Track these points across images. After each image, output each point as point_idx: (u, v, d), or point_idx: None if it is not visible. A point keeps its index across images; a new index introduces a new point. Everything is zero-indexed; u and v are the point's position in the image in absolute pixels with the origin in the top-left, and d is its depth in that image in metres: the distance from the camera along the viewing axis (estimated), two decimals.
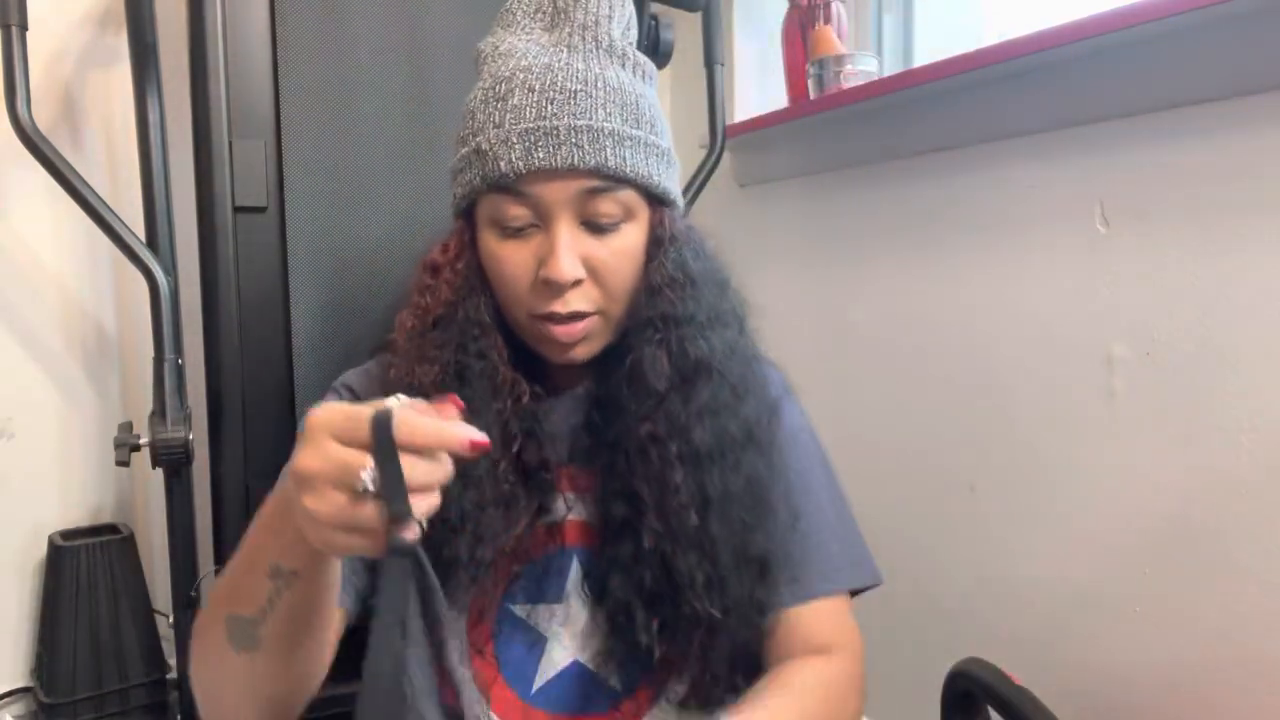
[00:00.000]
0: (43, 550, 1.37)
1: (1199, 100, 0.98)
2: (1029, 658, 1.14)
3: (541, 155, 0.66)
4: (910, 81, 1.26)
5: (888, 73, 1.48)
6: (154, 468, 1.03)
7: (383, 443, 0.44)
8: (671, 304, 0.70)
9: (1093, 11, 1.02)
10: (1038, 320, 1.16)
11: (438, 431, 0.46)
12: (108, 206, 1.08)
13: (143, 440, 1.04)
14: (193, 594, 1.07)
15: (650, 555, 0.70)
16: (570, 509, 0.75)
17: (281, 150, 0.99)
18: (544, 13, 0.74)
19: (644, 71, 0.73)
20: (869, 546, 0.82)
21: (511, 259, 0.69)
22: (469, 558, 0.70)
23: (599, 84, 0.68)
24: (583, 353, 0.72)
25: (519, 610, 0.75)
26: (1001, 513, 1.23)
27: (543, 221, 0.68)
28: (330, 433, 0.46)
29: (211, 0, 0.98)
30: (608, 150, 0.67)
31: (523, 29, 0.74)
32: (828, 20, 1.49)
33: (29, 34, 1.06)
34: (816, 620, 0.76)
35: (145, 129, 1.19)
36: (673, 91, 1.86)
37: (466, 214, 0.74)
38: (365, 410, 0.46)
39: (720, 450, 0.70)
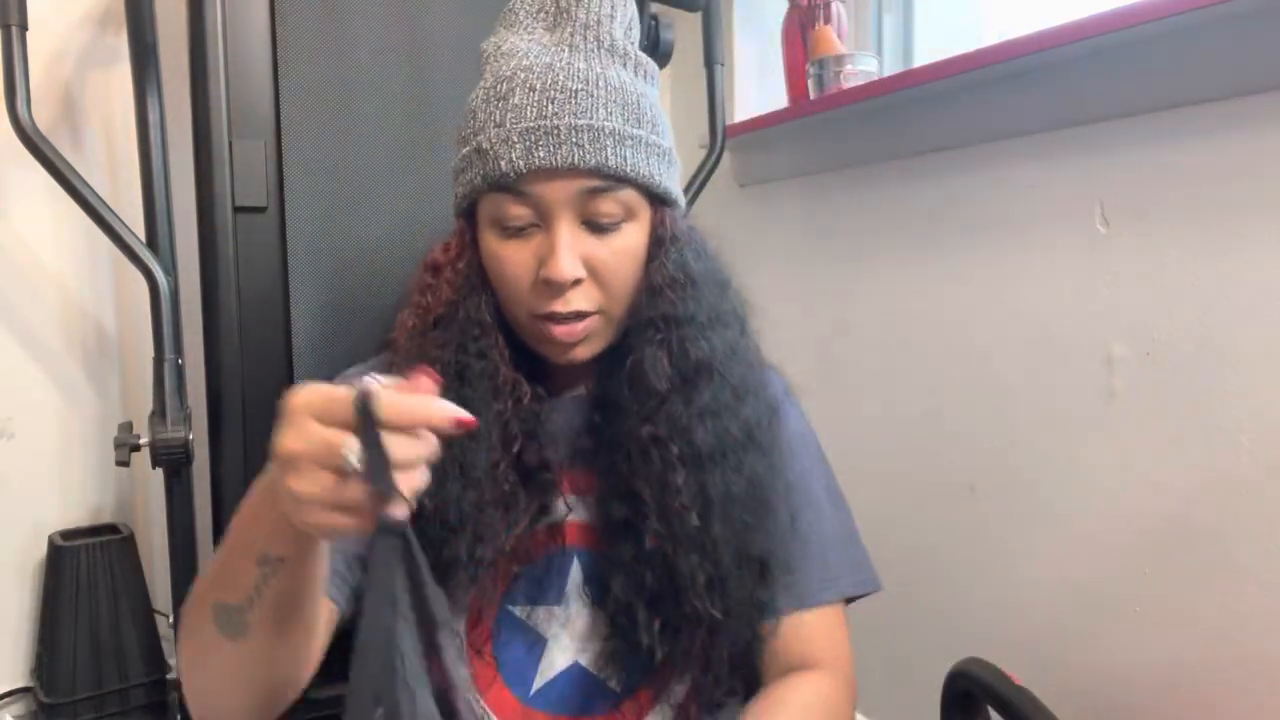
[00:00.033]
0: (43, 550, 1.37)
1: (1199, 100, 0.98)
2: (1029, 658, 1.14)
3: (542, 154, 0.66)
4: (910, 81, 1.26)
5: (888, 73, 1.48)
6: (154, 468, 1.03)
7: (365, 421, 0.44)
8: (672, 304, 0.70)
9: (1093, 11, 1.02)
10: (1038, 320, 1.16)
11: (422, 409, 0.46)
12: (108, 206, 1.08)
13: (143, 440, 1.04)
14: None
15: (651, 556, 0.70)
16: (571, 510, 0.75)
17: (281, 150, 0.99)
18: (546, 13, 0.74)
19: (646, 71, 0.73)
20: (869, 551, 0.83)
21: (512, 259, 0.69)
22: (468, 557, 0.70)
23: (600, 83, 0.68)
24: (583, 353, 0.72)
25: (519, 611, 0.75)
26: (1001, 513, 1.23)
27: (543, 221, 0.68)
28: (311, 413, 0.46)
29: (211, 0, 0.97)
30: (608, 150, 0.67)
31: (525, 29, 0.74)
32: (828, 20, 1.49)
33: (29, 34, 1.06)
34: (813, 630, 0.77)
35: (145, 129, 1.19)
36: (673, 91, 1.86)
37: (468, 214, 0.74)
38: (344, 390, 0.46)
39: (721, 451, 0.70)
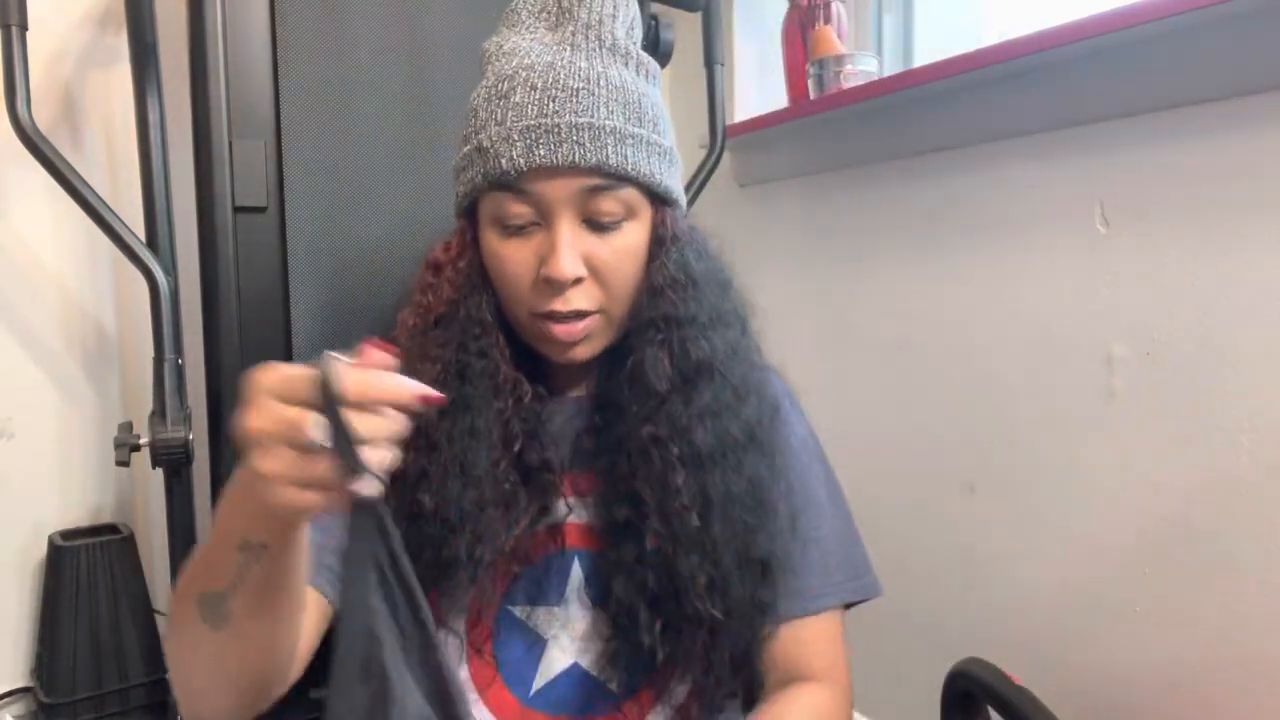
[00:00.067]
0: (43, 550, 1.37)
1: (1199, 100, 0.98)
2: (1029, 658, 1.14)
3: (543, 152, 0.66)
4: (910, 81, 1.26)
5: (888, 73, 1.48)
6: (154, 468, 1.03)
7: (327, 398, 0.44)
8: (673, 305, 0.70)
9: (1093, 11, 1.02)
10: (1038, 320, 1.16)
11: (383, 386, 0.46)
12: (108, 206, 1.08)
13: (143, 440, 1.04)
14: None
15: (652, 557, 0.70)
16: (571, 511, 0.75)
17: (281, 150, 0.99)
18: (549, 12, 0.74)
19: (647, 71, 0.73)
20: (869, 555, 0.83)
21: (513, 257, 0.69)
22: (468, 557, 0.70)
23: (601, 82, 0.68)
24: (583, 352, 0.72)
25: (518, 612, 0.75)
26: (1001, 513, 1.23)
27: (544, 219, 0.68)
28: (271, 392, 0.46)
29: (211, 0, 0.97)
30: (609, 148, 0.67)
31: (527, 28, 0.74)
32: (828, 20, 1.49)
33: (29, 34, 1.06)
34: (811, 637, 0.77)
35: (145, 129, 1.19)
36: (673, 91, 1.86)
37: (469, 212, 0.74)
38: (303, 368, 0.46)
39: (722, 451, 0.70)
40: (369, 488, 0.46)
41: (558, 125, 0.66)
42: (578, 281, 0.68)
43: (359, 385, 0.45)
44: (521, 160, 0.66)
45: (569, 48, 0.71)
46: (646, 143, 0.69)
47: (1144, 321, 1.04)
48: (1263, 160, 0.93)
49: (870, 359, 1.44)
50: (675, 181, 0.74)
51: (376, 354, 0.47)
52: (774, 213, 1.66)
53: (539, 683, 0.74)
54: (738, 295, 0.76)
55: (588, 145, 0.66)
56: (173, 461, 1.03)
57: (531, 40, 0.72)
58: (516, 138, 0.67)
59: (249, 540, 0.52)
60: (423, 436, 0.71)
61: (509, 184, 0.68)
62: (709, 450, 0.70)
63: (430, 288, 0.74)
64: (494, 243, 0.70)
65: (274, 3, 1.00)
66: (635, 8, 0.75)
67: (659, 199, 0.72)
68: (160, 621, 1.40)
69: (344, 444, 0.45)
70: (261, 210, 1.00)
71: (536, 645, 0.74)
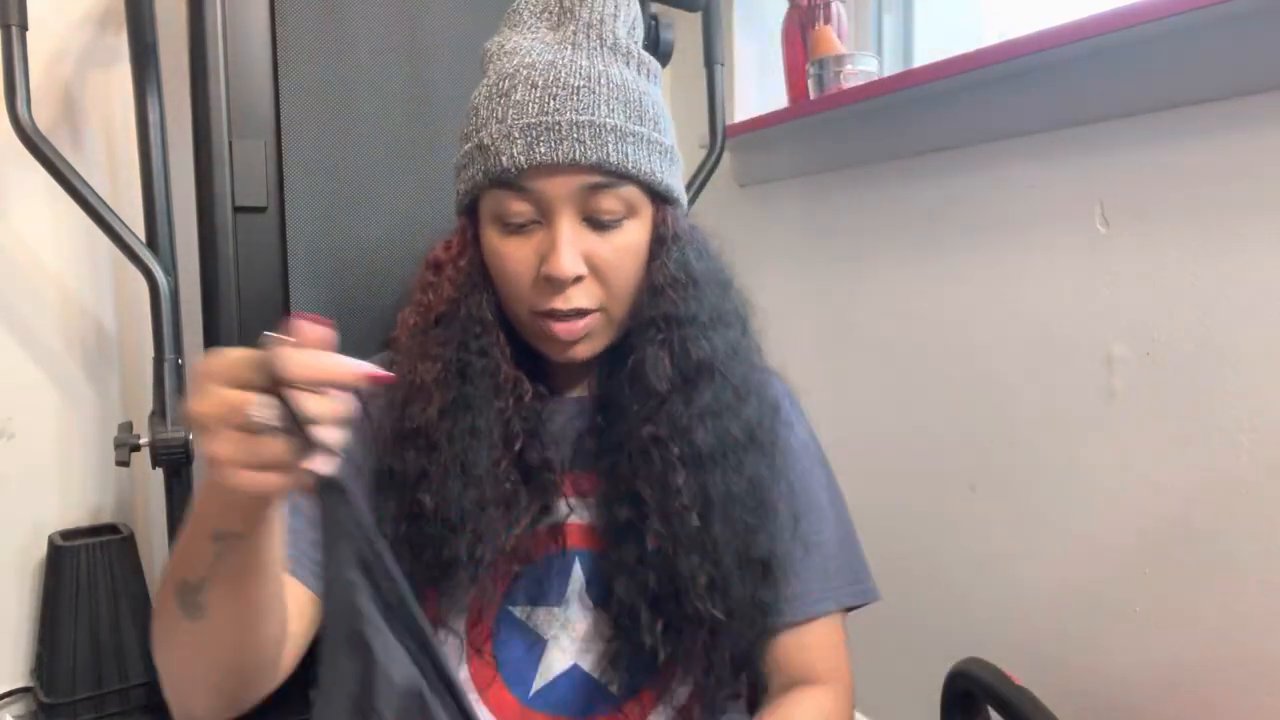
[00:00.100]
0: (43, 550, 1.37)
1: (1199, 100, 0.98)
2: (1029, 658, 1.14)
3: (543, 150, 0.66)
4: (910, 81, 1.26)
5: (888, 73, 1.48)
6: (154, 468, 1.03)
7: (270, 379, 0.45)
8: (674, 304, 0.70)
9: (1093, 11, 1.02)
10: (1038, 320, 1.16)
11: (324, 367, 0.46)
12: (108, 206, 1.08)
13: (143, 440, 1.04)
14: None
15: (654, 557, 0.70)
16: (572, 511, 0.75)
17: (281, 150, 0.99)
18: (550, 12, 0.74)
19: (649, 70, 0.74)
20: (867, 558, 0.83)
21: (513, 255, 0.69)
22: (468, 557, 0.69)
23: (602, 80, 0.68)
24: (583, 351, 0.72)
25: (518, 612, 0.75)
26: (1001, 513, 1.23)
27: (544, 217, 0.68)
28: (216, 377, 0.46)
29: (211, 0, 0.97)
30: (610, 146, 0.67)
31: (529, 28, 0.74)
32: (828, 20, 1.49)
33: (29, 34, 1.06)
34: (813, 641, 0.77)
35: (145, 129, 1.19)
36: (673, 91, 1.86)
37: (469, 210, 0.74)
38: (247, 351, 0.46)
39: (722, 451, 0.70)
40: (324, 465, 0.46)
41: (558, 123, 0.66)
42: (578, 280, 0.68)
43: (301, 365, 0.45)
44: (522, 158, 0.66)
45: (570, 46, 0.71)
46: (647, 141, 0.69)
47: (1144, 321, 1.04)
48: (1263, 160, 0.93)
49: (870, 359, 1.44)
50: (676, 180, 0.74)
51: (309, 328, 0.46)
52: (774, 213, 1.66)
53: (539, 683, 0.74)
54: (738, 295, 0.76)
55: (588, 143, 0.66)
56: (173, 461, 1.02)
57: (533, 39, 0.73)
58: (517, 135, 0.67)
59: (220, 529, 0.52)
60: (423, 436, 0.71)
61: (509, 181, 0.68)
62: (709, 450, 0.70)
63: (431, 286, 0.74)
64: (494, 241, 0.70)
65: (274, 3, 1.00)
66: (636, 7, 0.75)
67: (660, 197, 0.72)
68: None
69: (291, 423, 0.45)
70: (261, 210, 1.00)
71: (536, 646, 0.74)
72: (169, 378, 1.06)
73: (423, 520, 0.70)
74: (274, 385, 0.45)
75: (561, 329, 0.69)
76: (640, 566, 0.70)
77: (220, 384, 0.46)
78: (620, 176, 0.68)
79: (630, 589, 0.71)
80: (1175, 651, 1.02)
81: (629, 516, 0.71)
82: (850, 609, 0.81)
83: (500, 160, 0.67)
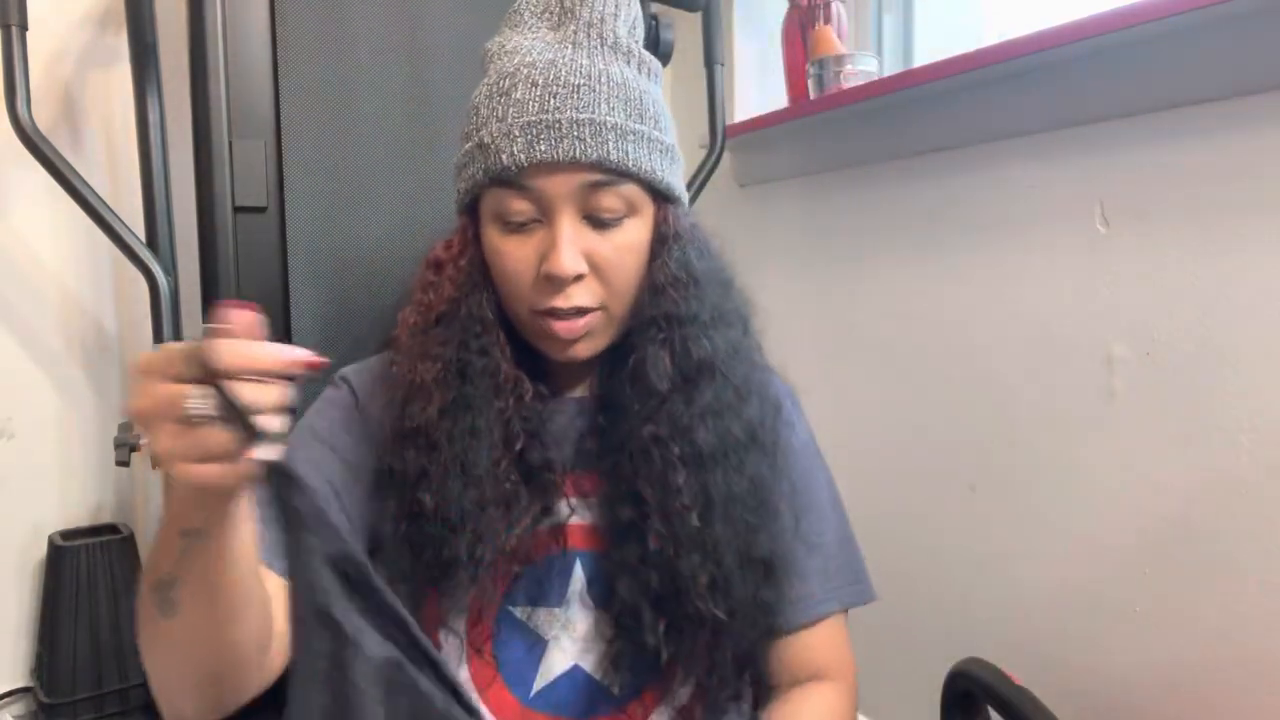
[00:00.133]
0: (43, 550, 1.37)
1: (1199, 100, 0.98)
2: (1029, 658, 1.14)
3: (543, 148, 0.66)
4: (910, 81, 1.26)
5: (888, 73, 1.48)
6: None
7: (206, 370, 0.45)
8: (675, 303, 0.70)
9: (1093, 11, 1.02)
10: (1038, 320, 1.16)
11: (257, 356, 0.46)
12: (108, 206, 1.08)
13: (143, 440, 1.03)
14: None
15: (656, 557, 0.70)
16: (574, 512, 0.75)
17: (281, 150, 0.99)
18: (551, 12, 0.74)
19: (649, 69, 0.74)
20: (869, 552, 0.83)
21: (514, 254, 0.69)
22: (468, 557, 0.69)
23: (603, 79, 0.68)
24: (584, 350, 0.72)
25: (519, 613, 0.75)
26: (1001, 513, 1.23)
27: (545, 216, 0.68)
28: (152, 372, 0.46)
29: (211, 0, 0.97)
30: (610, 144, 0.67)
31: (529, 28, 0.74)
32: (828, 20, 1.49)
33: (29, 34, 1.06)
34: (818, 641, 0.78)
35: (145, 129, 1.19)
36: (673, 91, 1.86)
37: (470, 209, 0.74)
38: (181, 344, 0.46)
39: (723, 451, 0.70)
40: (268, 453, 0.46)
41: (559, 121, 0.66)
42: (579, 278, 0.68)
43: (233, 354, 0.45)
44: (522, 156, 0.66)
45: (570, 45, 0.71)
46: (648, 139, 0.69)
47: (1144, 321, 1.04)
48: (1263, 160, 0.93)
49: (870, 359, 1.44)
50: (677, 178, 0.74)
51: (237, 314, 0.46)
52: (774, 213, 1.66)
53: (539, 684, 0.74)
54: (739, 294, 0.76)
55: (589, 141, 0.66)
56: None
57: (533, 39, 0.73)
58: (518, 133, 0.67)
59: (186, 526, 0.52)
60: (423, 435, 0.71)
61: (510, 180, 0.68)
62: (710, 450, 0.70)
63: (431, 286, 0.74)
64: (495, 239, 0.70)
65: (274, 3, 1.00)
66: (637, 7, 0.75)
67: (660, 196, 0.72)
68: None
69: (230, 413, 0.45)
70: (261, 210, 1.00)
71: (537, 646, 0.74)
72: None
73: (423, 520, 0.70)
74: (210, 376, 0.45)
75: (562, 327, 0.69)
76: (642, 567, 0.70)
77: (156, 379, 0.46)
78: (621, 174, 0.68)
79: (632, 589, 0.71)
80: (1175, 651, 1.02)
81: (631, 517, 0.71)
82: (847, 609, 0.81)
83: (501, 159, 0.67)
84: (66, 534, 1.38)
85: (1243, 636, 0.96)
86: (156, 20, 1.17)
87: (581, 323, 0.69)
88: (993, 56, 1.13)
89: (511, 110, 0.67)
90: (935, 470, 1.32)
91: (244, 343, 0.46)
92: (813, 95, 1.46)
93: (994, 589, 1.24)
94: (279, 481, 0.49)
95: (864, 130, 1.43)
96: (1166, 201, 1.02)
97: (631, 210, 0.70)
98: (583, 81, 0.68)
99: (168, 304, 1.07)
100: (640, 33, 0.75)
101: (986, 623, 1.25)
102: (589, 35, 0.71)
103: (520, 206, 0.68)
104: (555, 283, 0.67)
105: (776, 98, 1.68)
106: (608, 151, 0.67)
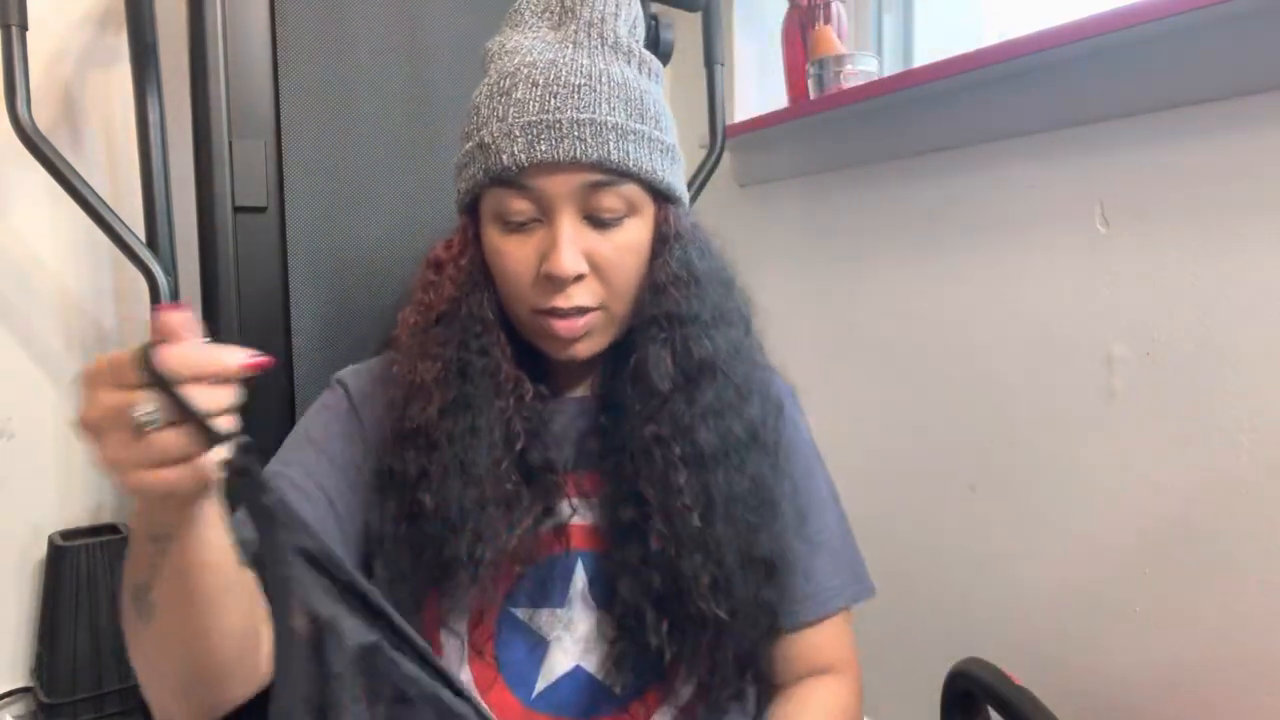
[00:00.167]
0: (43, 550, 1.37)
1: (1199, 100, 0.98)
2: (1029, 658, 1.15)
3: (544, 148, 0.66)
4: (910, 81, 1.26)
5: (888, 73, 1.48)
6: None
7: (153, 377, 0.44)
8: (676, 303, 0.70)
9: (1093, 11, 1.02)
10: (1038, 320, 1.16)
11: (202, 360, 0.46)
12: (108, 206, 1.08)
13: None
14: None
15: (658, 557, 0.70)
16: (575, 512, 0.75)
17: (281, 150, 0.99)
18: (551, 12, 0.74)
19: (650, 69, 0.74)
20: (869, 551, 0.84)
21: (514, 254, 0.69)
22: (469, 557, 0.69)
23: (603, 79, 0.68)
24: (584, 349, 0.72)
25: (520, 613, 0.75)
26: (1001, 513, 1.23)
27: (545, 216, 0.68)
28: (94, 382, 0.46)
29: (211, 0, 0.97)
30: (610, 144, 0.67)
31: (530, 27, 0.74)
32: (828, 20, 1.49)
33: (29, 34, 1.06)
34: (825, 638, 0.78)
35: (145, 129, 1.18)
36: (673, 91, 1.86)
37: (470, 209, 0.74)
38: (127, 352, 0.46)
39: (724, 451, 0.70)
40: (221, 454, 0.46)
41: (559, 121, 0.66)
42: (579, 278, 0.68)
43: (177, 359, 0.45)
44: (523, 156, 0.66)
45: (571, 45, 0.71)
46: (648, 139, 0.69)
47: (1144, 321, 1.04)
48: (1263, 160, 0.93)
49: (870, 359, 1.44)
50: (677, 178, 0.74)
51: (175, 317, 0.46)
52: (774, 213, 1.66)
53: (541, 685, 0.74)
54: (740, 294, 0.76)
55: (589, 141, 0.66)
56: None
57: (534, 39, 0.73)
58: (518, 133, 0.67)
59: (154, 531, 0.52)
60: (423, 435, 0.71)
61: (510, 180, 0.68)
62: (712, 450, 0.70)
63: (432, 285, 0.74)
64: (495, 239, 0.70)
65: (274, 3, 1.00)
66: (637, 6, 0.75)
67: (661, 196, 0.72)
68: None
69: (179, 417, 0.45)
70: (261, 210, 1.00)
71: (539, 647, 0.74)
72: None
73: (423, 520, 0.70)
74: (155, 382, 0.44)
75: (562, 326, 0.69)
76: (644, 567, 0.70)
77: (102, 388, 0.45)
78: (621, 174, 0.68)
79: (634, 589, 0.71)
80: (1175, 651, 1.02)
81: (632, 517, 0.71)
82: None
83: (501, 158, 0.67)
84: (66, 534, 1.38)
85: (1243, 636, 0.96)
86: (156, 20, 1.17)
87: (582, 322, 0.69)
88: (993, 56, 1.13)
89: (512, 110, 0.67)
90: (935, 470, 1.32)
91: (190, 347, 0.46)
92: (813, 95, 1.46)
93: (994, 589, 1.24)
94: (242, 482, 0.49)
95: (864, 130, 1.43)
96: (1166, 201, 1.02)
97: (632, 210, 0.70)
98: (583, 81, 0.68)
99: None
100: (641, 32, 0.75)
101: (986, 623, 1.25)
102: (589, 35, 0.71)
103: (521, 206, 0.68)
104: (556, 283, 0.67)
105: (776, 98, 1.68)
106: (608, 152, 0.67)
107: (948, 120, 1.28)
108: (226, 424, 0.46)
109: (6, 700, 1.39)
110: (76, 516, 1.45)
